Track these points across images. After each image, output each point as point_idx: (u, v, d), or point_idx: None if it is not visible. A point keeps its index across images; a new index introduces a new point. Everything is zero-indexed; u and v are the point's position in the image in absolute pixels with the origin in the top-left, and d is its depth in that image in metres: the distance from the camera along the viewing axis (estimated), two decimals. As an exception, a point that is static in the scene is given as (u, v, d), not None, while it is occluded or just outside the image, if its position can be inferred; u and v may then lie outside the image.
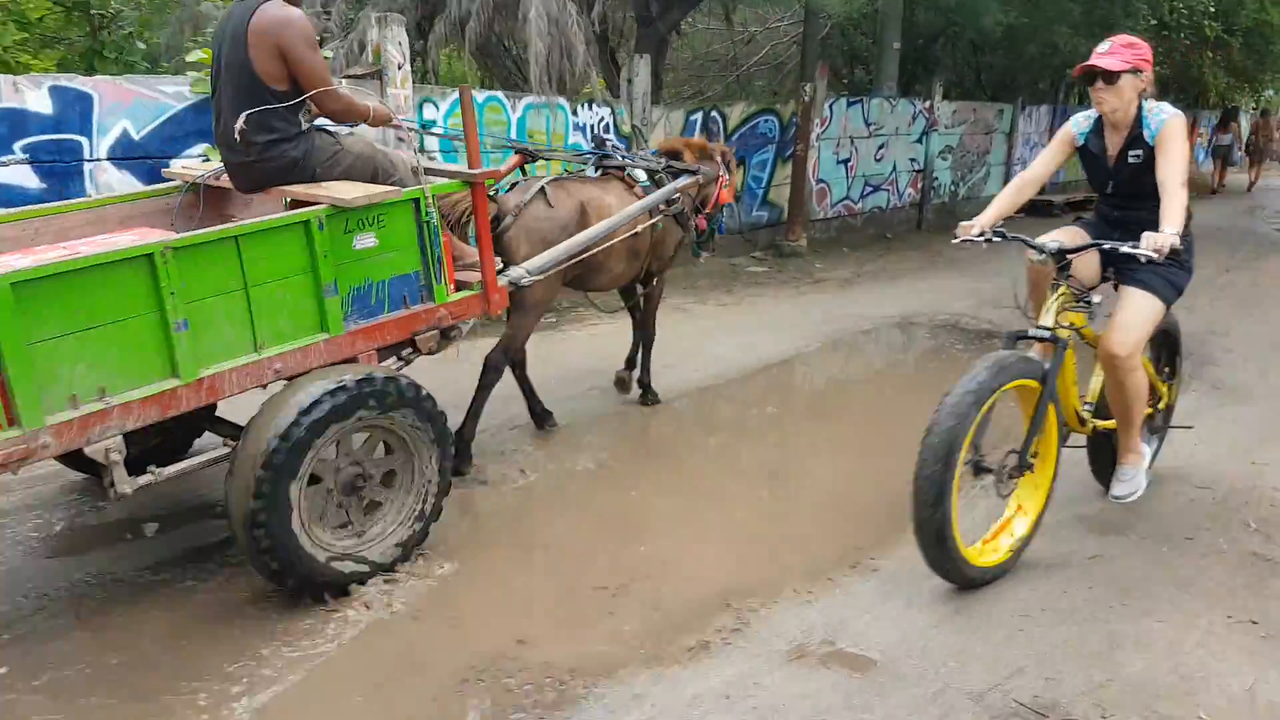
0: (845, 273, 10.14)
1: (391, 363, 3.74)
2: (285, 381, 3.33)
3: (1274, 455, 4.85)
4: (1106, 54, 3.48)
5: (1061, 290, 3.47)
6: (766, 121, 10.50)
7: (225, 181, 3.82)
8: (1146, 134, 3.50)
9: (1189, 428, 4.72)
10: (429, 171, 3.85)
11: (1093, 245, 3.44)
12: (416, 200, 3.60)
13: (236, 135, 3.43)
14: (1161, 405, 4.40)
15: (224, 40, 3.48)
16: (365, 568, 3.41)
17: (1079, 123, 3.76)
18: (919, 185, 12.96)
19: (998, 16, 10.04)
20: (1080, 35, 12.60)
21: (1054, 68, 13.82)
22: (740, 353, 6.76)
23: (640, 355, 5.56)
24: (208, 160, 5.33)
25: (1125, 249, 3.22)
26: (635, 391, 5.62)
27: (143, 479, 3.06)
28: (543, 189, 4.49)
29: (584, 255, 4.47)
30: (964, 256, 10.95)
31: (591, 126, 8.51)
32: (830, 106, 11.35)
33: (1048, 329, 3.43)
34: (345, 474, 3.38)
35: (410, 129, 4.50)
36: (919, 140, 13.02)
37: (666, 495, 4.38)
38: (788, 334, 7.34)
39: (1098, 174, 3.74)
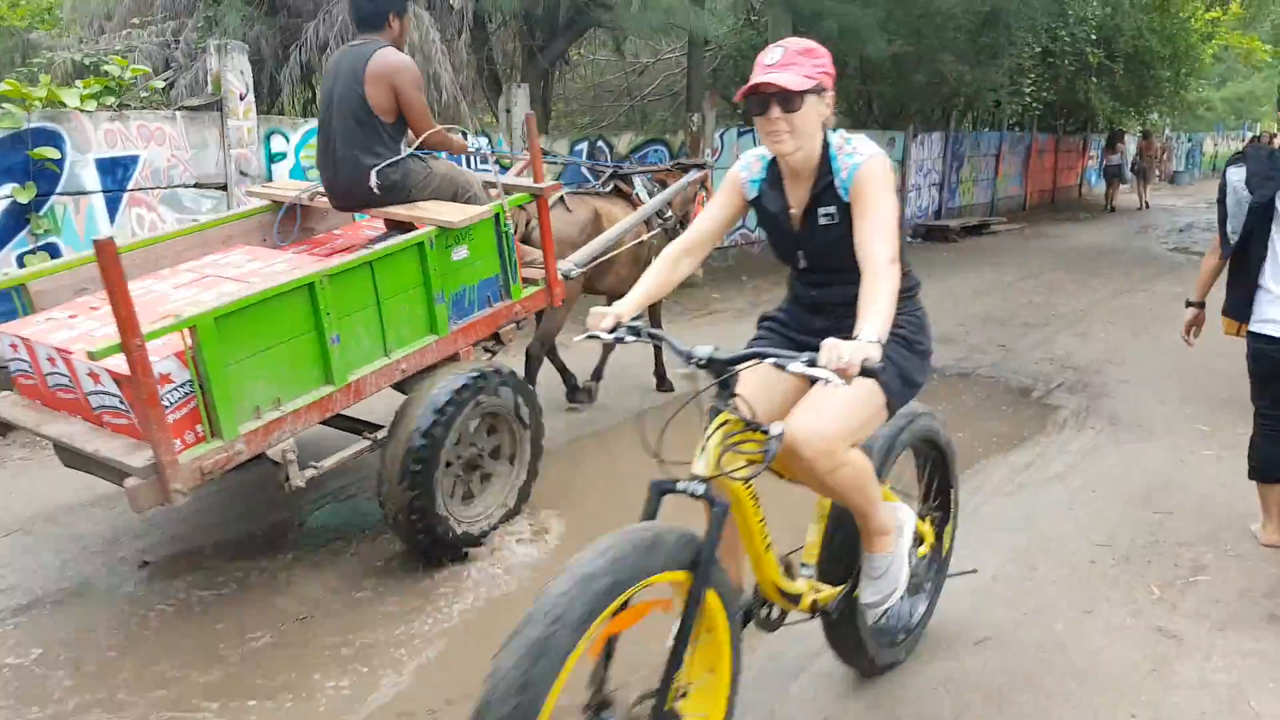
0: (741, 303, 9.80)
1: (480, 354, 4.28)
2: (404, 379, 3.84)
3: (1175, 501, 4.57)
4: (779, 65, 2.34)
5: (722, 419, 2.18)
6: (656, 151, 10.15)
7: (315, 202, 4.34)
8: (838, 183, 2.40)
9: (972, 571, 3.54)
10: (495, 186, 4.27)
11: (753, 355, 2.16)
12: (497, 214, 4.09)
13: (348, 165, 3.90)
14: (924, 551, 3.01)
15: (337, 78, 3.92)
16: (487, 527, 3.93)
17: (749, 165, 2.63)
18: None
19: (880, 44, 9.89)
20: (965, 63, 12.66)
21: (944, 95, 13.86)
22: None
23: (655, 354, 6.26)
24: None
25: (796, 367, 2.03)
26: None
27: (308, 471, 3.44)
28: (561, 198, 5.01)
29: (609, 255, 5.19)
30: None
31: (470, 158, 8.00)
32: (720, 136, 11.08)
33: (702, 481, 2.11)
34: (467, 455, 3.87)
35: (485, 154, 5.68)
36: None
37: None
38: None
39: (782, 241, 2.60)
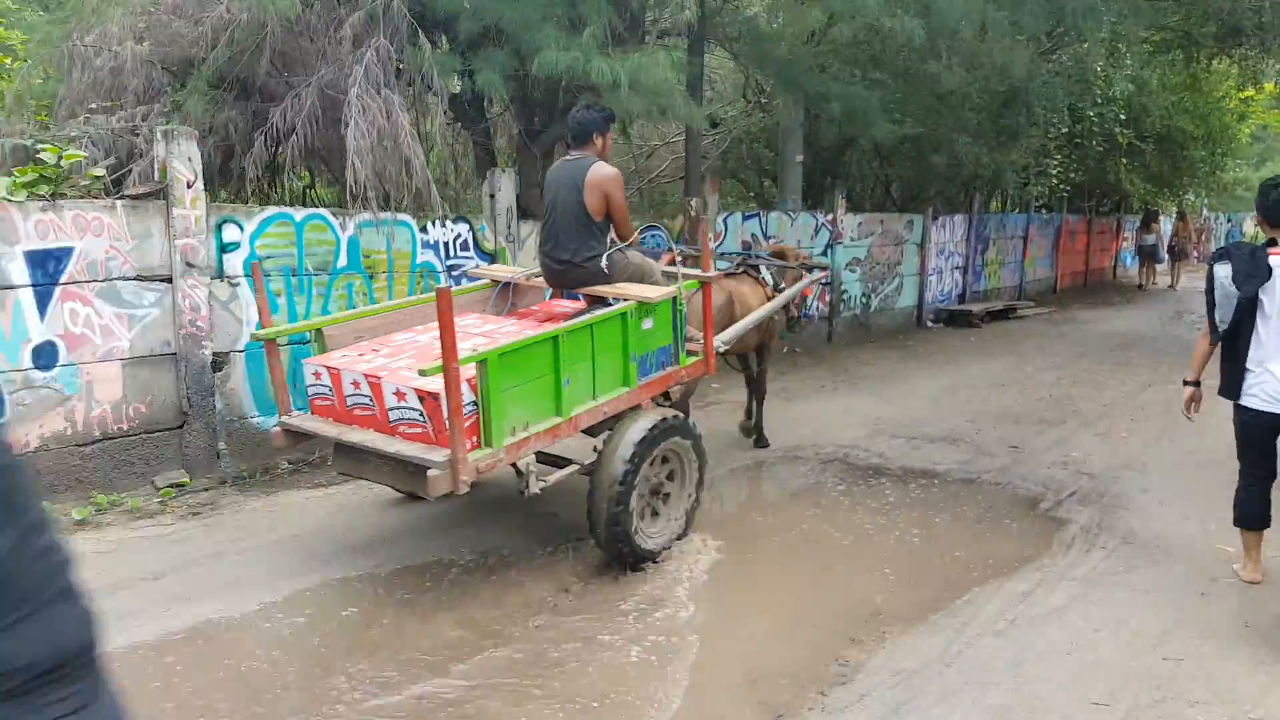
0: (742, 394, 9.30)
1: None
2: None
3: (1190, 644, 3.96)
4: None
5: None
6: (653, 235, 9.79)
7: (528, 281, 5.47)
8: None
9: None
10: (671, 274, 5.28)
11: None
12: (675, 296, 5.00)
13: (566, 254, 4.90)
14: None
15: (560, 186, 4.93)
16: (665, 542, 4.88)
17: None
18: (827, 298, 12.33)
19: (887, 126, 9.55)
20: (984, 145, 12.28)
21: (964, 177, 13.46)
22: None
23: (755, 406, 7.25)
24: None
25: None
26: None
27: (540, 483, 4.42)
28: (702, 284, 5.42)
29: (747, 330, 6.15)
30: (871, 372, 10.23)
31: (447, 244, 7.70)
32: (724, 220, 10.74)
33: None
34: (653, 482, 4.83)
35: (667, 250, 6.27)
36: (823, 253, 12.44)
37: None
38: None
39: None
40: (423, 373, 3.87)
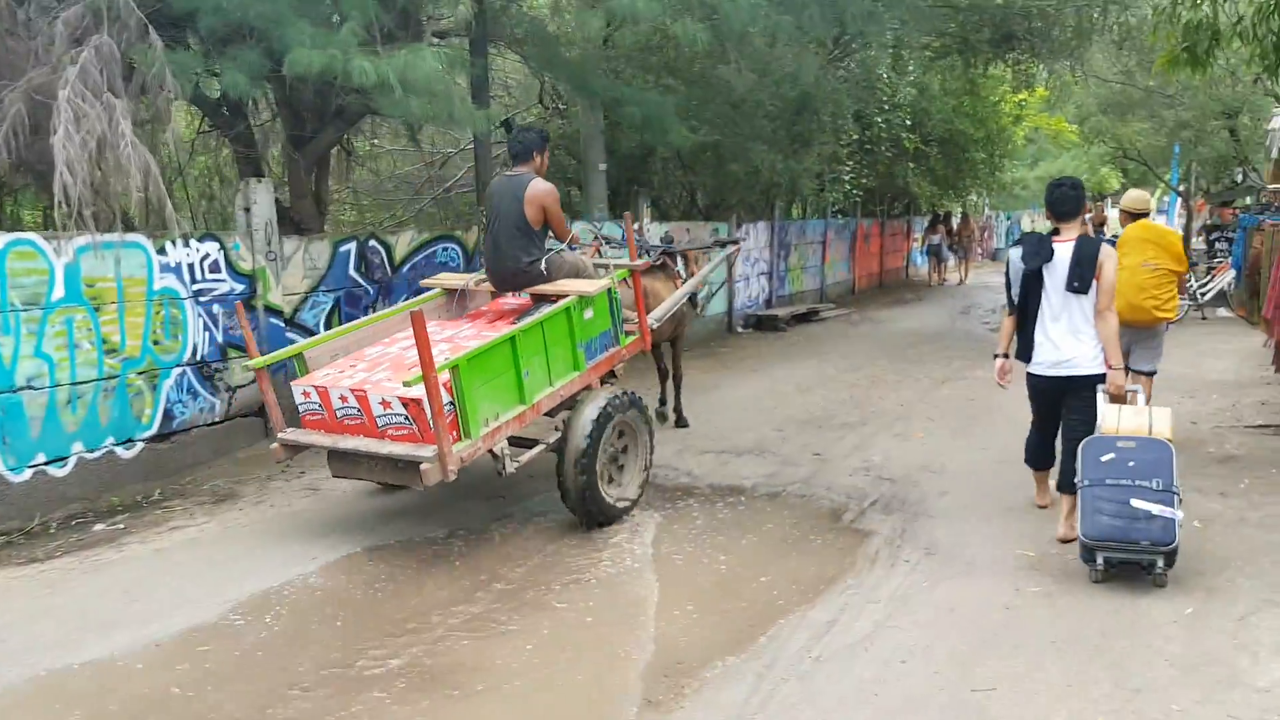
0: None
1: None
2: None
3: (994, 668, 3.74)
4: None
5: None
6: (446, 249, 9.16)
7: (478, 287, 6.10)
8: None
9: None
10: (604, 265, 6.16)
11: None
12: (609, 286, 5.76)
13: (510, 260, 5.64)
14: None
15: (502, 198, 5.68)
16: (626, 504, 5.61)
17: None
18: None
19: (683, 132, 9.31)
20: (779, 152, 12.31)
21: (763, 184, 13.52)
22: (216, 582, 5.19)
23: (675, 392, 7.93)
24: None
25: None
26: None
27: (511, 465, 5.14)
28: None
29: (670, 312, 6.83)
30: (694, 381, 9.94)
31: (192, 266, 6.79)
32: (523, 229, 10.22)
33: None
34: (611, 451, 5.51)
35: (588, 244, 6.97)
36: (630, 261, 12.15)
37: None
38: (343, 535, 5.74)
39: None
40: (407, 384, 4.55)
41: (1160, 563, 4.36)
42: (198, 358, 6.90)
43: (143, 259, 6.38)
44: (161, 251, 6.53)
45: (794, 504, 5.95)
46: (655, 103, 9.02)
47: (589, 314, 5.59)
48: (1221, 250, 17.20)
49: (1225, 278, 13.89)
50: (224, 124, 9.18)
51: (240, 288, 7.26)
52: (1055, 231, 5.01)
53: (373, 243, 8.38)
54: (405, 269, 8.68)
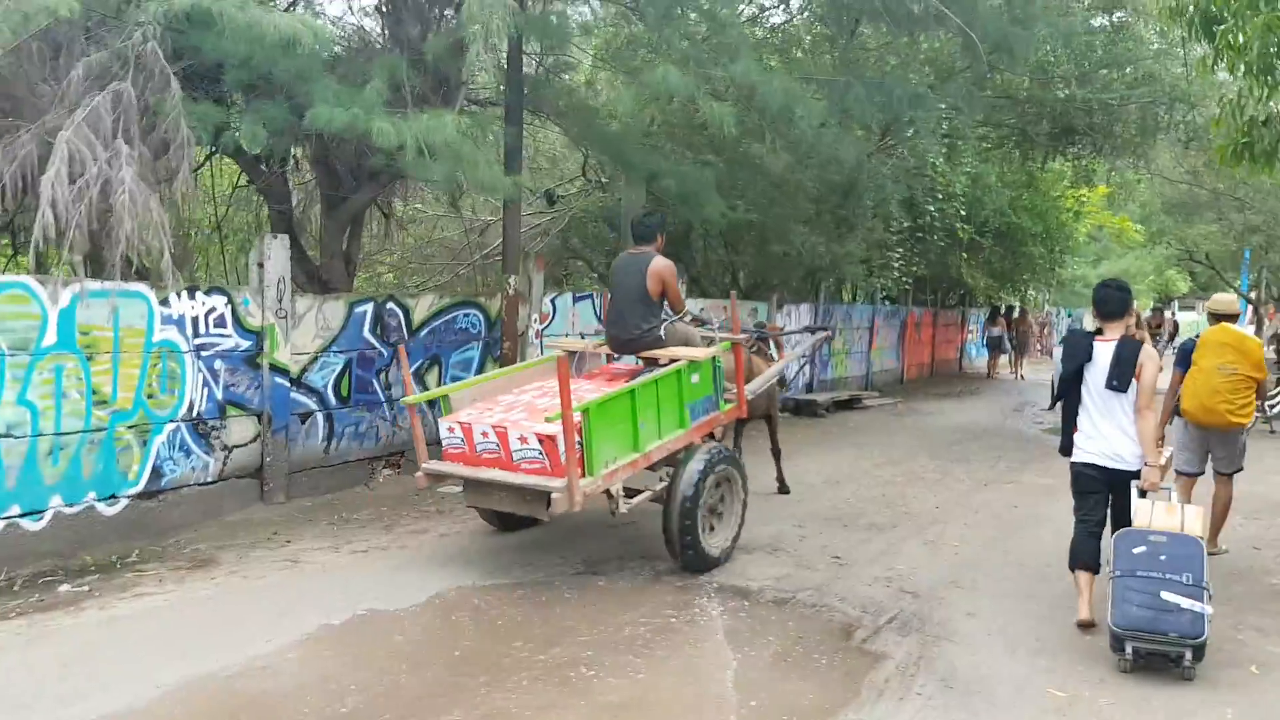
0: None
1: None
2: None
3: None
4: None
5: None
6: (467, 315, 8.93)
7: (595, 349, 6.93)
8: None
9: None
10: (710, 338, 6.93)
11: None
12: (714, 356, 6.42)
13: (630, 326, 6.35)
14: None
15: (626, 273, 6.41)
16: (721, 552, 6.11)
17: None
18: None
19: (721, 205, 9.04)
20: (819, 235, 12.00)
21: (806, 266, 13.19)
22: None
23: (776, 463, 8.39)
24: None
25: None
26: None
27: (624, 507, 5.73)
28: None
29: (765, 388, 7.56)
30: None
31: (196, 320, 6.60)
32: (553, 301, 9.99)
33: None
34: (711, 502, 6.06)
35: (697, 318, 7.71)
36: (664, 338, 11.85)
37: None
38: (310, 611, 5.37)
39: None
40: (549, 420, 5.23)
41: (1189, 655, 4.45)
42: (194, 414, 6.68)
43: (144, 309, 6.21)
44: (165, 303, 6.36)
45: (803, 615, 5.42)
46: (692, 176, 8.79)
47: (695, 378, 6.23)
48: (1295, 362, 16.34)
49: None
50: (262, 180, 9.17)
51: (246, 344, 7.07)
52: (1099, 331, 5.17)
53: (390, 305, 8.18)
54: (423, 333, 8.45)
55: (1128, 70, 13.42)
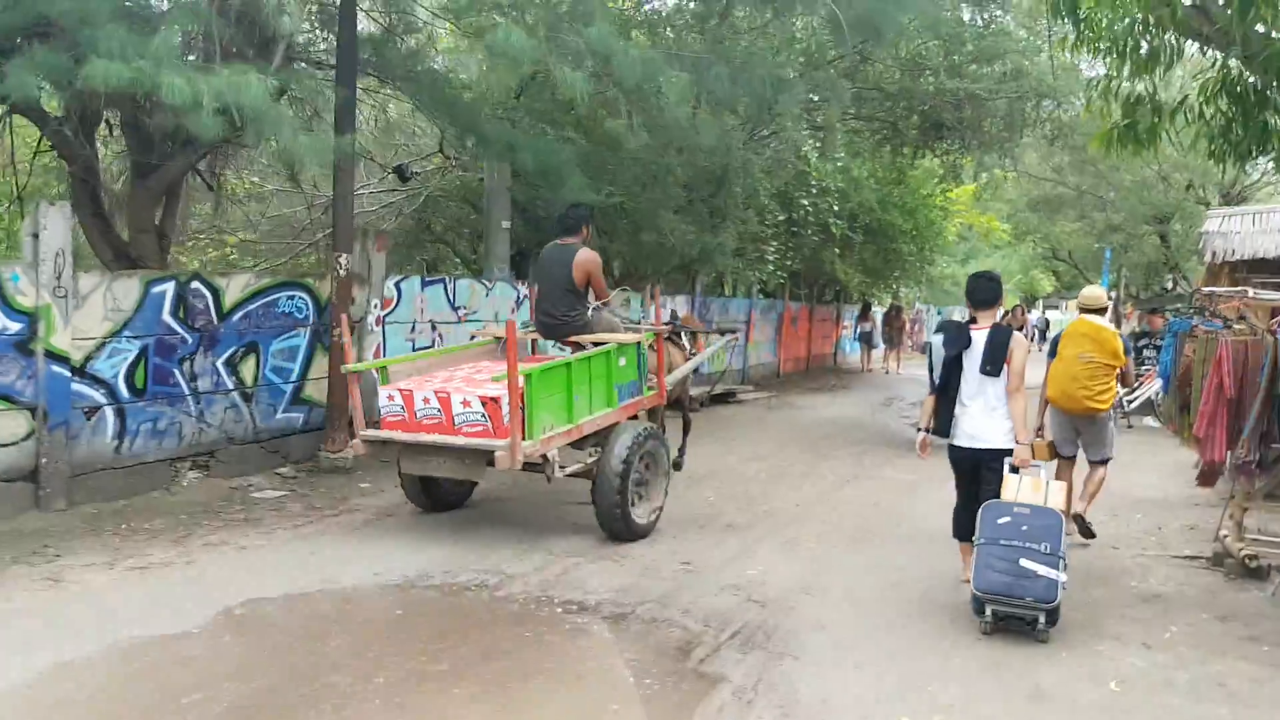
0: (397, 495, 7.63)
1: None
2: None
3: None
4: None
5: None
6: (292, 298, 8.06)
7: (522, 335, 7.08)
8: None
9: None
10: (634, 327, 7.31)
11: None
12: (639, 342, 6.93)
13: (558, 313, 6.76)
14: None
15: (553, 264, 6.78)
16: (648, 523, 6.52)
17: None
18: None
19: (581, 182, 8.43)
20: (689, 223, 11.53)
21: (680, 257, 12.69)
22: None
23: (682, 437, 8.58)
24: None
25: None
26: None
27: (559, 471, 6.06)
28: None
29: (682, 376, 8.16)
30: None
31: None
32: (397, 285, 9.19)
33: None
34: (638, 476, 6.38)
35: (618, 308, 7.87)
36: (528, 326, 11.17)
37: None
38: (167, 616, 4.61)
39: None
40: (495, 379, 5.79)
41: (1042, 619, 4.77)
42: (-61, 408, 5.68)
43: None
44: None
45: (639, 632, 4.86)
46: (549, 149, 8.13)
47: (622, 361, 6.71)
48: (1150, 358, 16.81)
49: (1152, 386, 13.33)
50: (67, 148, 8.06)
51: (16, 327, 6.12)
52: (973, 320, 5.45)
53: (196, 284, 7.26)
54: (236, 317, 7.56)
55: (996, 65, 13.42)
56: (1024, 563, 4.74)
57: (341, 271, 8.00)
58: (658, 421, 8.09)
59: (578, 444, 6.37)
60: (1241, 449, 5.70)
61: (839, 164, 15.04)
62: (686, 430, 8.67)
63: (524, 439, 5.55)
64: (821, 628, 4.98)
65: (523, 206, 11.49)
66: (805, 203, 15.60)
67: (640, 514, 6.40)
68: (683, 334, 8.47)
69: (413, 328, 9.44)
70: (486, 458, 5.63)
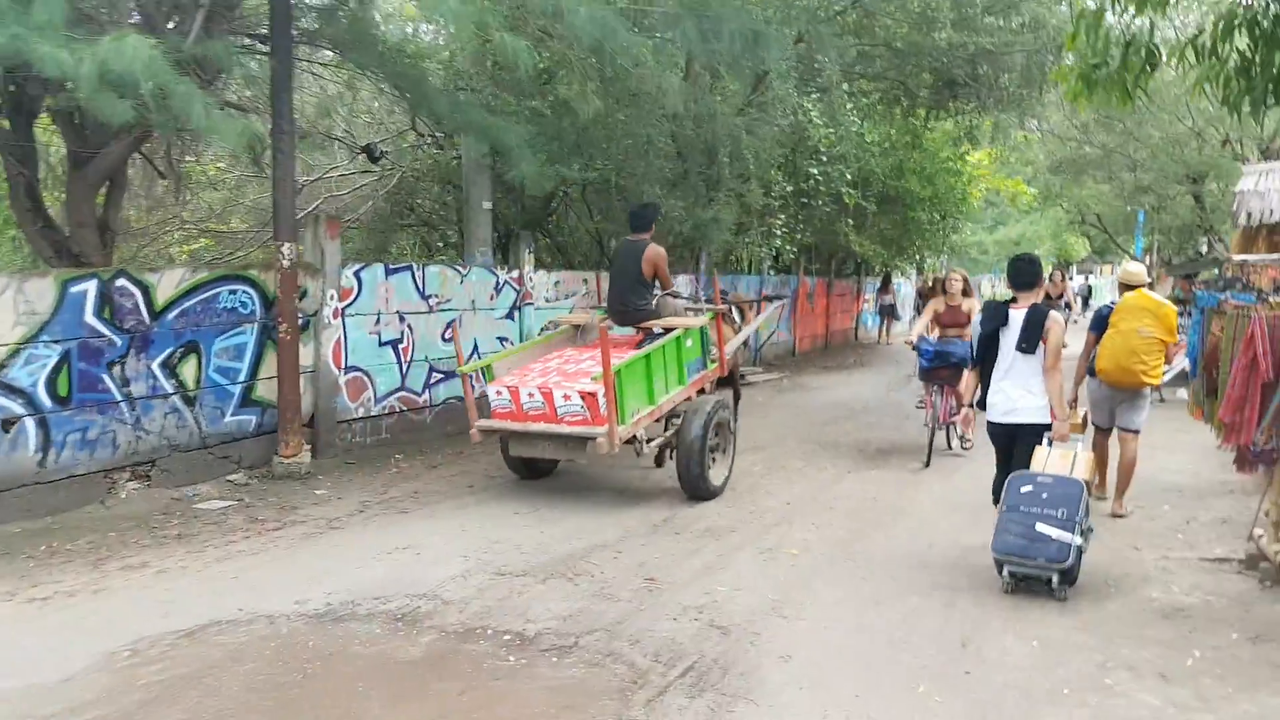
0: (352, 504, 7.09)
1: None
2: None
3: None
4: None
5: None
6: (234, 293, 7.48)
7: (596, 323, 7.91)
8: None
9: None
10: (695, 309, 8.41)
11: None
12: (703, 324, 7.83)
13: (630, 303, 7.61)
14: None
15: (625, 258, 7.69)
16: (723, 482, 7.38)
17: None
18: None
19: (533, 162, 7.77)
20: (678, 197, 10.80)
21: (673, 233, 11.97)
22: None
23: (734, 406, 8.68)
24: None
25: None
26: None
27: (647, 449, 7.08)
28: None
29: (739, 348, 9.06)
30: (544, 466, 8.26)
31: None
32: (357, 274, 8.59)
33: None
34: (714, 441, 7.16)
35: (681, 294, 9.65)
36: (510, 316, 10.55)
37: None
38: (49, 660, 4.06)
39: None
40: (594, 379, 6.62)
41: (1056, 579, 5.04)
42: None
43: None
44: None
45: (577, 670, 4.23)
46: (499, 127, 7.45)
47: (689, 343, 7.52)
48: (1184, 326, 15.90)
49: (1185, 360, 12.49)
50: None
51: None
52: (1013, 300, 5.60)
53: (123, 282, 6.69)
54: (172, 315, 6.99)
55: (1013, 18, 12.50)
56: (1040, 527, 4.99)
57: (285, 262, 7.40)
58: (733, 389, 9.09)
59: (658, 420, 7.21)
60: (1262, 435, 5.02)
61: (853, 129, 14.16)
62: (737, 399, 9.12)
63: (619, 424, 6.44)
64: (787, 658, 4.33)
65: (509, 185, 10.84)
66: (814, 171, 14.79)
67: (716, 475, 7.18)
68: (733, 309, 9.34)
69: (377, 319, 8.84)
70: (585, 442, 6.48)
